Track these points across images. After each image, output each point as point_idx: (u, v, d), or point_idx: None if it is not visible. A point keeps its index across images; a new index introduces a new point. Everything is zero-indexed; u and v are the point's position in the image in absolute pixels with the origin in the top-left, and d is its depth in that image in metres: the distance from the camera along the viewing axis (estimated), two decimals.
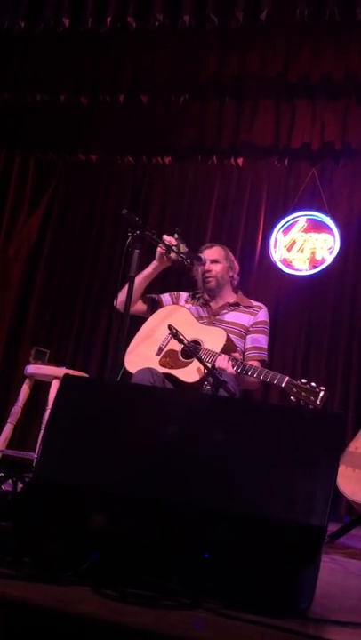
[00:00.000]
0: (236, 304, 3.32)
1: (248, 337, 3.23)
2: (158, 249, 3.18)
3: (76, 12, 4.05)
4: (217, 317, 3.26)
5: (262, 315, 3.30)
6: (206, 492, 1.52)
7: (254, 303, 3.37)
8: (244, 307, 3.32)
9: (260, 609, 1.37)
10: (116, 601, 1.33)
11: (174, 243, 3.14)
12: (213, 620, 1.31)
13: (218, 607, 1.37)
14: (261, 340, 3.24)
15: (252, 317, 3.27)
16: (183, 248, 3.16)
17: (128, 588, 1.39)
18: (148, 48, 4.81)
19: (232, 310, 3.29)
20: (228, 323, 3.22)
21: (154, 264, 3.25)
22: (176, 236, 3.17)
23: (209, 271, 3.30)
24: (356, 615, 1.66)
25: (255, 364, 3.09)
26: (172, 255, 3.13)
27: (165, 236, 3.16)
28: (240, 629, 1.27)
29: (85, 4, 4.03)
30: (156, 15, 3.86)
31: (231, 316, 3.26)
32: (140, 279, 3.19)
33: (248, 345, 3.21)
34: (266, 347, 3.25)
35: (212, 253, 3.36)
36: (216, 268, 3.32)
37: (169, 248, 3.11)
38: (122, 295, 2.99)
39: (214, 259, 3.34)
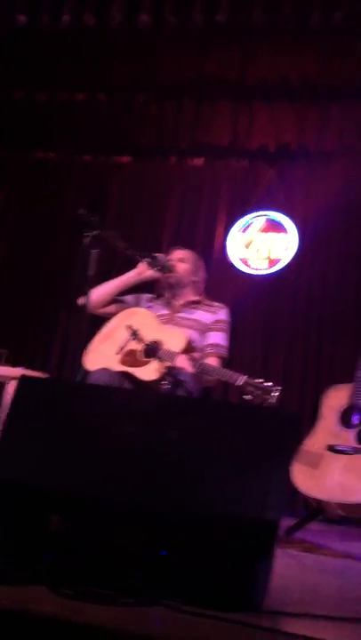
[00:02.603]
0: (198, 302, 3.41)
1: (208, 334, 3.30)
2: (143, 265, 3.34)
3: (32, 9, 4.02)
4: (178, 314, 3.32)
5: (223, 314, 3.38)
6: (162, 490, 1.55)
7: (215, 303, 3.45)
8: (206, 305, 3.41)
9: (217, 604, 1.40)
10: (73, 599, 1.34)
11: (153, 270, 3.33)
12: (171, 616, 1.34)
13: (176, 604, 1.39)
14: (221, 337, 3.31)
15: (213, 315, 3.35)
16: (168, 267, 3.36)
17: (86, 587, 1.40)
18: (106, 47, 4.79)
19: (194, 308, 3.37)
20: (189, 319, 3.30)
21: (135, 276, 3.36)
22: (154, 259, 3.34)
23: (173, 266, 3.40)
24: (311, 607, 1.70)
25: (214, 360, 3.17)
26: (154, 273, 3.33)
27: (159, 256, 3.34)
28: (196, 624, 1.29)
29: (41, 1, 4.00)
30: (114, 14, 3.86)
31: (192, 314, 3.34)
32: (118, 285, 3.35)
33: (208, 342, 3.28)
34: (226, 344, 3.32)
35: (180, 253, 3.49)
36: (181, 266, 3.42)
37: (156, 264, 3.30)
38: (96, 294, 3.03)
39: (181, 258, 3.45)
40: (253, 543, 1.43)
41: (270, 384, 2.73)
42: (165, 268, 3.32)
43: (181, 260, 3.44)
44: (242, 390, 2.77)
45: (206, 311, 3.37)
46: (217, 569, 1.43)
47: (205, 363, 3.02)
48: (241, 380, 2.78)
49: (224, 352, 3.29)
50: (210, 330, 3.31)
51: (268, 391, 2.70)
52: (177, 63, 4.81)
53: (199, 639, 1.21)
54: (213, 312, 3.37)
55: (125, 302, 3.42)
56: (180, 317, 3.31)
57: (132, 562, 1.49)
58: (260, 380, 2.76)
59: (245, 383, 2.76)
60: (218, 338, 3.30)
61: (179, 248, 3.56)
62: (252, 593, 1.43)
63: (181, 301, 3.40)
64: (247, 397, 2.74)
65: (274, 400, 2.67)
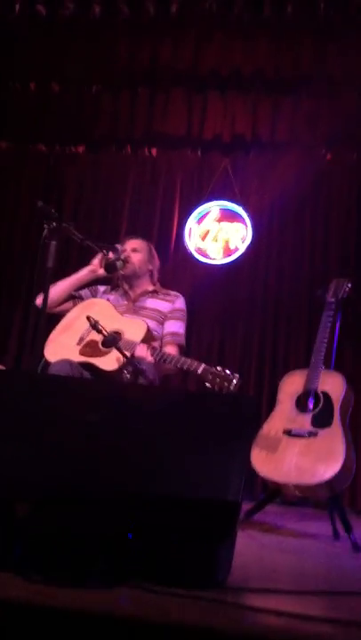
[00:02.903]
0: (155, 292, 3.46)
1: (166, 323, 3.36)
2: (96, 261, 3.36)
3: None
4: (136, 304, 3.37)
5: (179, 303, 3.45)
6: (126, 476, 1.59)
7: (172, 292, 3.52)
8: (163, 294, 3.47)
9: (181, 583, 1.46)
10: (42, 584, 1.37)
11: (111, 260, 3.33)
12: (137, 595, 1.39)
13: (142, 584, 1.44)
14: (179, 326, 3.38)
15: (170, 305, 3.42)
16: (121, 265, 3.35)
17: (54, 572, 1.44)
18: (58, 37, 4.76)
19: (151, 297, 3.43)
20: (147, 309, 3.35)
21: (88, 274, 3.38)
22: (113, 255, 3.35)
23: (128, 257, 3.42)
24: (272, 583, 1.79)
25: (173, 348, 3.25)
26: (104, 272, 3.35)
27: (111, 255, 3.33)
28: (162, 602, 1.35)
29: None
30: (67, 4, 3.84)
31: (150, 303, 3.39)
32: (73, 282, 3.38)
33: (166, 331, 3.34)
34: (183, 332, 3.39)
35: (133, 243, 3.51)
36: (135, 257, 3.44)
37: (110, 266, 3.30)
38: (51, 293, 3.02)
39: (134, 248, 3.48)
40: (216, 523, 1.49)
41: (229, 372, 2.80)
42: (114, 267, 3.31)
43: (135, 250, 3.47)
44: (202, 378, 2.83)
45: (163, 300, 3.43)
46: (182, 549, 1.49)
47: (165, 352, 3.07)
48: (200, 368, 2.84)
49: (182, 340, 3.36)
50: (167, 319, 3.37)
51: (227, 379, 2.76)
52: (131, 53, 4.81)
53: (165, 616, 1.26)
54: (170, 301, 3.43)
55: (82, 297, 3.44)
56: (138, 307, 3.36)
57: (98, 546, 1.53)
58: (220, 369, 2.82)
59: (205, 371, 2.82)
60: (176, 326, 3.36)
61: (132, 237, 3.59)
62: (215, 571, 1.49)
63: (138, 291, 3.45)
64: (208, 385, 2.80)
65: (233, 387, 2.74)
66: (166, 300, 3.43)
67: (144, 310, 3.34)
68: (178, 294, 3.50)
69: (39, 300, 3.03)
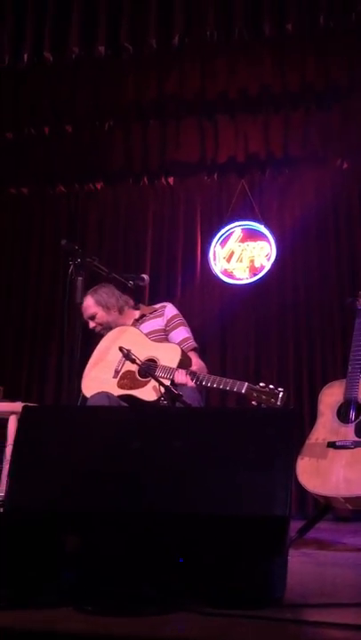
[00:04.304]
0: (143, 316, 3.41)
1: (170, 336, 3.31)
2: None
3: None
4: None
5: (169, 310, 3.40)
6: (173, 499, 1.58)
7: (156, 306, 3.47)
8: (150, 314, 3.41)
9: (238, 604, 1.43)
10: (97, 615, 1.37)
11: None
12: (194, 620, 1.37)
13: (197, 607, 1.42)
14: (182, 332, 3.33)
15: (161, 319, 3.36)
16: None
17: (107, 601, 1.43)
18: (66, 79, 4.90)
19: (142, 323, 3.37)
20: (145, 335, 3.27)
21: None
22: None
23: (93, 328, 3.42)
24: (330, 598, 1.74)
25: (192, 354, 3.21)
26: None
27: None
28: (220, 624, 1.33)
29: (1, 41, 4.09)
30: (72, 48, 3.95)
31: (145, 328, 3.33)
32: None
33: (176, 342, 3.27)
34: (190, 335, 3.34)
35: (85, 310, 3.38)
36: (98, 321, 3.41)
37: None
38: None
39: (89, 315, 3.40)
40: (266, 539, 1.47)
41: (273, 387, 2.76)
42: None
43: (92, 318, 3.39)
44: (246, 397, 2.80)
45: (154, 318, 3.38)
46: (234, 569, 1.47)
47: (205, 374, 3.01)
48: (244, 387, 2.81)
49: (194, 343, 3.32)
50: (167, 332, 3.33)
51: (272, 394, 2.73)
52: (138, 87, 4.92)
53: (224, 637, 1.24)
54: (160, 315, 3.38)
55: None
56: None
57: (150, 572, 1.52)
58: (263, 385, 2.79)
59: (249, 389, 2.79)
60: (181, 334, 3.31)
61: (81, 303, 3.13)
62: (271, 588, 1.47)
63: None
64: (253, 403, 2.76)
65: (280, 402, 2.70)
66: (157, 316, 3.38)
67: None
68: (164, 304, 3.45)
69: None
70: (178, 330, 3.33)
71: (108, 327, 3.39)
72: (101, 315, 3.41)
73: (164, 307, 3.42)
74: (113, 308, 3.42)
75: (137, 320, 3.40)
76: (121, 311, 3.43)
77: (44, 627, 1.30)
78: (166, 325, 3.34)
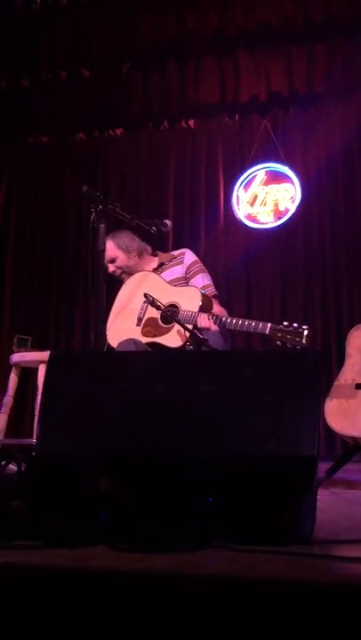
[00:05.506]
0: (161, 264, 3.37)
1: (189, 283, 3.26)
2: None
3: None
4: None
5: (189, 257, 3.35)
6: (201, 441, 1.60)
7: (176, 253, 3.42)
8: (170, 261, 3.37)
9: (267, 540, 1.46)
10: (130, 552, 1.40)
11: None
12: (224, 555, 1.40)
13: (228, 544, 1.45)
14: (202, 279, 3.27)
15: (181, 266, 3.32)
16: None
17: (140, 539, 1.47)
18: (81, 21, 4.76)
19: (161, 272, 3.32)
20: (168, 283, 3.23)
21: None
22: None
23: (113, 272, 3.36)
24: (359, 533, 1.76)
25: (212, 301, 3.15)
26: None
27: None
28: (250, 559, 1.35)
29: None
30: None
31: (166, 276, 3.28)
32: None
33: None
34: (210, 282, 3.29)
35: (107, 254, 3.25)
36: (117, 265, 3.36)
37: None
38: None
39: (109, 259, 3.32)
40: (294, 478, 1.48)
41: (296, 325, 2.73)
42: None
43: (112, 261, 3.34)
44: (271, 338, 2.78)
45: (174, 265, 3.33)
46: (263, 507, 1.48)
47: (228, 317, 2.98)
48: (267, 328, 2.79)
49: (214, 290, 3.28)
50: (188, 279, 3.28)
51: (297, 333, 2.70)
52: (155, 25, 4.76)
53: (252, 571, 1.26)
54: (180, 262, 3.33)
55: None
56: None
57: (181, 512, 1.54)
58: (287, 324, 2.76)
59: (273, 330, 2.76)
60: (200, 281, 3.26)
61: (104, 244, 3.06)
62: (300, 525, 1.48)
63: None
64: (278, 343, 2.74)
65: (305, 340, 2.67)
66: (177, 264, 3.33)
67: None
68: (183, 250, 3.40)
69: None
70: (198, 277, 3.28)
71: (127, 272, 3.36)
72: (122, 258, 3.37)
73: (183, 253, 3.37)
74: (133, 252, 3.38)
75: (156, 269, 3.35)
76: (140, 256, 3.40)
77: (79, 564, 1.34)
78: (186, 272, 3.30)
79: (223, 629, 1.19)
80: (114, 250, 3.37)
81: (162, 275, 3.31)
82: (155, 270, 3.34)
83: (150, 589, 1.23)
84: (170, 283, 3.24)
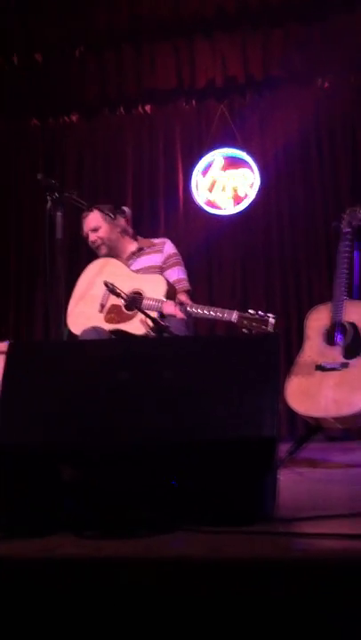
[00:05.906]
0: (140, 249, 3.34)
1: (165, 274, 3.24)
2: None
3: None
4: (130, 269, 3.26)
5: (168, 247, 3.34)
6: (163, 426, 1.60)
7: (156, 241, 3.41)
8: (148, 248, 3.35)
9: (230, 521, 1.48)
10: (94, 539, 1.41)
11: None
12: (190, 538, 1.41)
13: (191, 527, 1.47)
14: (178, 272, 3.28)
15: (160, 255, 3.31)
16: None
17: (105, 526, 1.47)
18: (35, 5, 4.66)
19: (139, 257, 3.31)
20: (141, 269, 3.23)
21: None
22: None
23: (93, 242, 3.33)
24: (323, 511, 1.79)
25: (184, 295, 3.18)
26: None
27: None
28: (215, 540, 1.37)
29: None
30: None
31: (142, 262, 3.28)
32: None
33: (171, 280, 3.22)
34: (185, 276, 3.30)
35: (89, 222, 3.34)
36: (99, 235, 3.32)
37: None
38: None
39: (92, 227, 3.32)
40: (255, 459, 1.50)
41: (262, 313, 2.76)
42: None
43: (94, 230, 3.32)
44: (237, 325, 2.80)
45: (152, 253, 3.31)
46: (225, 489, 1.50)
47: (194, 305, 2.99)
48: (234, 315, 2.81)
49: (188, 285, 3.29)
50: (164, 269, 3.27)
51: (263, 321, 2.74)
52: (109, 9, 4.69)
53: (220, 552, 1.28)
54: (159, 250, 3.32)
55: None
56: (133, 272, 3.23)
57: (146, 498, 1.55)
58: (253, 312, 2.79)
59: (239, 317, 2.79)
60: (176, 273, 3.27)
61: (84, 216, 3.34)
62: (262, 505, 1.51)
63: (124, 257, 3.32)
64: (244, 331, 2.77)
65: (270, 328, 2.71)
66: (155, 252, 3.31)
67: (140, 272, 3.21)
68: (163, 240, 3.39)
69: None
70: (174, 269, 3.28)
71: (107, 245, 3.31)
72: (105, 229, 3.31)
73: (164, 243, 3.36)
74: (117, 227, 3.33)
75: (134, 253, 3.33)
76: (123, 234, 3.35)
77: (43, 554, 1.34)
78: (163, 262, 3.28)
79: (190, 611, 1.21)
80: (99, 219, 3.32)
81: (139, 260, 3.29)
82: (132, 254, 3.32)
83: (116, 575, 1.23)
84: (145, 269, 3.23)
